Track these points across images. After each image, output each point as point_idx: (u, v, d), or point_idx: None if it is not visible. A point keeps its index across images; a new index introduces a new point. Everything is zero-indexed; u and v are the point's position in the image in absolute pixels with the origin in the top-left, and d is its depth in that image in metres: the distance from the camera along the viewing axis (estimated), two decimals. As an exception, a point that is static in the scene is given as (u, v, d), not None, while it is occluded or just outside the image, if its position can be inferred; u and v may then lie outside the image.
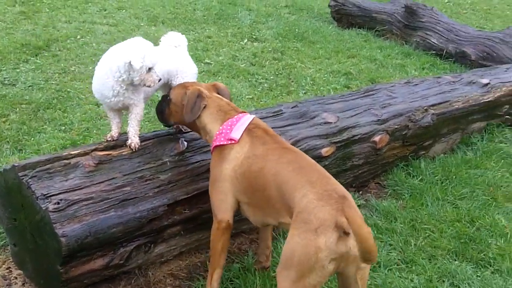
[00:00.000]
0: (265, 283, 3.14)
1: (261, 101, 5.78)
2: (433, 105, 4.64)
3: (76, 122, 5.03)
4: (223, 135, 2.93)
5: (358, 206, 3.84)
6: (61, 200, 2.78)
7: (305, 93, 6.13)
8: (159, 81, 3.15)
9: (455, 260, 3.56)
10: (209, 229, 2.98)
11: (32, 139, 4.68)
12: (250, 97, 5.87)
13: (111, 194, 2.93)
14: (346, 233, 2.36)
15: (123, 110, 3.33)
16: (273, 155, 2.79)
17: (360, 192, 4.21)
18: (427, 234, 3.78)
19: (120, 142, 3.27)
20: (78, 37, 7.37)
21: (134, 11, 8.89)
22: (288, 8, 10.03)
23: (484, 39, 7.30)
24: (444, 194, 4.21)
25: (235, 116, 3.00)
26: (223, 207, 2.91)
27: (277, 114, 3.94)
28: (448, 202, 4.15)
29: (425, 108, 4.54)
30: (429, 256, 3.57)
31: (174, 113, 3.22)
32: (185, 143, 3.36)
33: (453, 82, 5.19)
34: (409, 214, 3.94)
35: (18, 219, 3.02)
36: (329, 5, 9.36)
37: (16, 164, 2.92)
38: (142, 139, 3.29)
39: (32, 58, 6.52)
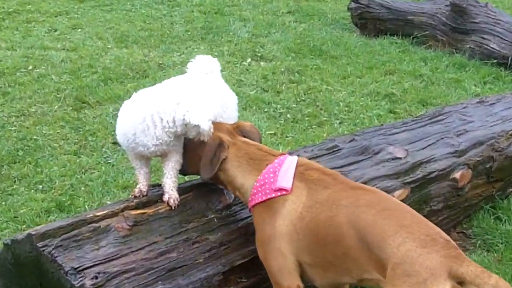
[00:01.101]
0: None
1: (287, 136, 6.10)
2: (518, 129, 4.96)
3: (56, 178, 5.27)
4: (266, 186, 3.11)
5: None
6: (98, 274, 3.01)
7: (340, 123, 6.46)
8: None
9: None
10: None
11: (3, 203, 4.90)
12: (272, 132, 6.19)
13: (155, 262, 3.17)
14: (461, 283, 2.59)
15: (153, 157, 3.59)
16: (345, 198, 2.98)
17: (441, 245, 4.48)
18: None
19: (153, 196, 3.52)
20: (30, 67, 7.66)
21: (94, 30, 9.23)
22: (292, 15, 10.44)
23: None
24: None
25: (275, 161, 3.20)
26: (286, 272, 3.12)
27: (333, 151, 4.23)
28: None
29: (509, 133, 4.86)
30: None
31: (190, 163, 3.47)
32: (232, 194, 3.63)
33: (537, 98, 5.55)
34: (509, 269, 4.22)
35: (33, 302, 3.23)
36: (348, 8, 9.74)
37: (33, 232, 3.15)
38: (180, 192, 3.54)
39: (-25, 100, 6.78)
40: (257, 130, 3.57)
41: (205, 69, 3.78)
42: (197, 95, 3.36)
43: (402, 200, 4.05)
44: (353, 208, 2.92)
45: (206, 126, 3.24)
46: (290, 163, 3.16)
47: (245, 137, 3.42)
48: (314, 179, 3.11)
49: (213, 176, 3.31)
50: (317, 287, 3.19)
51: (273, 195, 3.08)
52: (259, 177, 3.15)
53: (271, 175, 3.12)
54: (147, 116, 3.34)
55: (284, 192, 3.07)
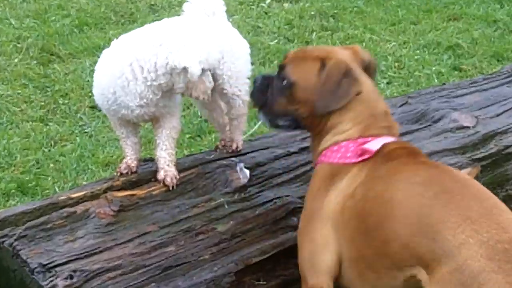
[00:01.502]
0: None
1: (318, 101, 6.09)
2: None
3: (16, 152, 5.31)
4: (351, 147, 3.13)
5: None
6: (74, 272, 3.04)
7: (388, 83, 6.46)
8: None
9: None
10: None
11: (-48, 183, 4.96)
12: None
13: (148, 259, 3.20)
14: None
15: (144, 123, 3.62)
16: (401, 172, 3.00)
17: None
18: None
19: (144, 174, 3.55)
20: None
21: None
22: None
23: None
24: None
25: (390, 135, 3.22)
26: (317, 265, 3.09)
27: (381, 118, 4.25)
28: None
29: None
30: None
31: (298, 102, 3.28)
32: (247, 171, 3.65)
33: None
34: None
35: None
36: None
37: (-10, 219, 3.20)
38: (179, 168, 3.57)
39: None
40: (375, 63, 3.52)
41: (206, 9, 3.78)
42: (186, 35, 3.35)
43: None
44: (407, 185, 2.92)
45: (195, 69, 3.22)
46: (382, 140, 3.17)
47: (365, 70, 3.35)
48: (388, 152, 3.11)
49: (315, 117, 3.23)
50: None
51: (353, 160, 3.11)
52: (363, 139, 3.15)
53: (351, 144, 3.15)
54: (125, 67, 3.33)
55: (364, 157, 3.09)
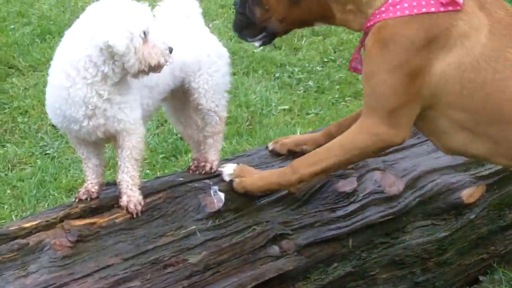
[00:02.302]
0: None
1: (308, 113, 6.11)
2: None
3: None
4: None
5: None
6: (23, 312, 3.05)
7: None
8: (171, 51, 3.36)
9: None
10: None
11: None
12: (286, 107, 6.21)
13: (109, 297, 3.20)
14: None
15: (105, 143, 3.60)
16: None
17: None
18: None
19: (106, 200, 3.55)
20: None
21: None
22: None
23: None
24: None
25: None
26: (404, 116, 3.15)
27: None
28: None
29: None
30: None
31: (274, 7, 3.34)
32: (221, 195, 3.65)
33: None
34: None
35: None
36: None
37: None
38: (146, 192, 3.56)
39: None
40: None
41: (179, 12, 3.80)
42: (107, 13, 3.26)
43: (473, 202, 4.10)
44: None
45: (120, 43, 3.15)
46: None
47: None
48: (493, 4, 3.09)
49: None
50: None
51: (441, 8, 2.96)
52: None
53: None
54: (60, 75, 3.30)
55: (457, 7, 2.97)
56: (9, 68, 6.69)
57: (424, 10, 2.89)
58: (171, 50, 3.31)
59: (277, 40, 7.24)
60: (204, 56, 3.73)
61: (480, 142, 3.14)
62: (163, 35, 3.53)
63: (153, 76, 3.44)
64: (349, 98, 6.42)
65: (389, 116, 3.04)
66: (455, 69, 2.96)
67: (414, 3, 2.90)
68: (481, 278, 4.34)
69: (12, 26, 7.38)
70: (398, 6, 2.93)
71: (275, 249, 3.54)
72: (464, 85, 2.97)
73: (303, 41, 7.34)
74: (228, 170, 3.72)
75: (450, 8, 2.88)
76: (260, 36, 3.48)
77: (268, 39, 3.50)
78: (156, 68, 3.29)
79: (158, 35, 3.30)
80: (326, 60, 7.01)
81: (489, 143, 3.13)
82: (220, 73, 3.77)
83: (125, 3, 3.28)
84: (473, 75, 2.96)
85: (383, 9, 2.98)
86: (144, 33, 3.23)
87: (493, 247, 4.27)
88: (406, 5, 2.90)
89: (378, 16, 3.00)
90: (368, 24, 3.06)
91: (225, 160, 3.99)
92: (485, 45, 2.94)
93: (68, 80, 3.26)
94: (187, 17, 3.81)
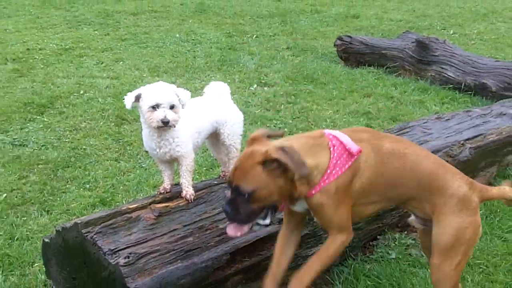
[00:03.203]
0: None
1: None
2: (468, 139, 4.95)
3: (100, 179, 5.29)
4: (342, 159, 2.82)
5: (407, 246, 4.14)
6: (130, 254, 3.02)
7: (327, 136, 6.44)
8: (166, 122, 3.26)
9: (515, 294, 3.82)
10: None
11: (58, 199, 4.93)
12: (273, 143, 6.19)
13: (176, 245, 3.18)
14: None
15: (173, 162, 3.61)
16: (404, 148, 3.03)
17: (406, 232, 4.45)
18: (481, 269, 4.03)
19: (174, 193, 3.54)
20: (81, 92, 7.71)
21: (133, 62, 9.28)
22: (290, 50, 10.46)
23: (503, 69, 7.70)
24: (491, 229, 4.49)
25: (329, 137, 2.88)
26: (349, 222, 2.97)
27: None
28: (496, 236, 4.42)
29: (461, 142, 4.85)
30: (488, 291, 3.83)
31: (265, 199, 2.75)
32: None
33: (484, 115, 5.54)
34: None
35: (78, 278, 3.24)
36: (334, 44, 9.78)
37: (79, 221, 3.17)
38: (196, 189, 3.56)
39: (38, 117, 6.83)
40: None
41: (218, 92, 3.84)
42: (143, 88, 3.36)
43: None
44: (415, 156, 3.04)
45: (126, 103, 3.32)
46: (339, 133, 2.91)
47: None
48: (368, 137, 2.98)
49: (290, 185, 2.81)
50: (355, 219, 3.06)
51: (351, 161, 2.83)
52: (331, 154, 2.81)
53: (339, 148, 2.83)
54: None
55: (357, 155, 2.85)
56: (122, 120, 6.73)
57: (346, 166, 2.81)
58: (165, 122, 3.26)
59: (268, 106, 7.36)
60: (229, 116, 3.75)
61: (378, 205, 3.10)
62: (209, 104, 3.64)
63: (202, 126, 3.56)
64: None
65: (347, 227, 2.93)
66: (363, 182, 2.91)
67: (337, 168, 2.79)
68: (378, 237, 4.31)
69: (124, 97, 7.30)
70: (331, 175, 2.79)
71: (266, 222, 3.50)
72: (368, 186, 2.92)
73: (282, 107, 7.36)
74: None
75: (356, 156, 2.83)
76: (263, 214, 2.86)
77: (273, 212, 2.91)
78: (153, 126, 3.31)
79: (167, 111, 3.29)
80: (294, 117, 7.04)
81: (383, 203, 3.11)
82: (237, 125, 3.80)
83: (156, 86, 3.32)
84: (372, 179, 2.92)
85: (322, 182, 2.79)
86: (153, 106, 3.25)
87: (384, 220, 4.26)
88: (334, 172, 2.78)
89: (322, 184, 2.79)
90: (313, 192, 2.80)
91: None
92: (376, 165, 2.92)
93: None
94: (221, 95, 3.82)
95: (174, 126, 3.34)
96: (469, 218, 2.99)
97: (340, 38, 9.72)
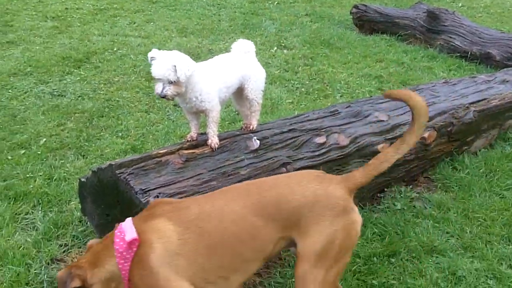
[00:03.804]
0: None
1: (301, 105, 6.06)
2: (473, 103, 4.89)
3: (131, 128, 5.31)
4: (124, 255, 2.34)
5: (411, 199, 4.13)
6: (159, 194, 3.05)
7: (341, 96, 6.39)
8: (163, 97, 3.19)
9: (509, 245, 3.80)
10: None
11: (93, 145, 4.96)
12: (290, 101, 6.16)
13: (201, 188, 3.20)
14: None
15: (200, 113, 3.60)
16: (217, 201, 2.50)
17: (411, 186, 4.45)
18: (479, 222, 4.03)
19: (200, 141, 3.55)
20: (115, 49, 7.68)
21: (163, 23, 9.20)
22: (309, 17, 10.30)
23: (507, 40, 7.56)
24: (490, 186, 4.46)
25: (115, 233, 2.45)
26: None
27: (334, 114, 4.22)
28: (495, 193, 4.40)
29: (466, 105, 4.80)
30: (485, 241, 3.82)
31: None
32: (258, 141, 3.63)
33: (488, 81, 5.46)
34: (460, 205, 4.20)
35: (112, 214, 3.28)
36: (350, 12, 9.62)
37: (113, 163, 3.20)
38: (220, 138, 3.56)
39: (75, 70, 6.83)
40: None
41: (244, 49, 3.79)
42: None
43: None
44: (235, 206, 2.47)
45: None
46: (126, 221, 2.47)
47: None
48: (169, 209, 2.46)
49: None
50: None
51: (134, 249, 2.34)
52: (115, 253, 2.36)
53: (120, 242, 2.36)
54: None
55: (136, 243, 2.33)
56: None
57: (132, 254, 2.33)
58: (162, 96, 3.20)
59: (286, 67, 7.29)
60: (253, 72, 3.71)
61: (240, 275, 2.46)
62: (236, 61, 3.63)
63: (230, 81, 3.57)
64: (321, 97, 6.36)
65: None
66: (180, 262, 2.30)
67: (126, 264, 2.33)
68: (385, 189, 4.31)
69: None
70: (125, 276, 2.33)
71: (283, 170, 3.51)
72: (192, 263, 2.34)
73: (299, 68, 7.27)
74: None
75: (135, 244, 2.33)
76: None
77: None
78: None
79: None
80: (310, 78, 6.94)
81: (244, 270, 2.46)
82: (260, 81, 3.75)
83: (159, 58, 3.19)
84: (184, 248, 2.34)
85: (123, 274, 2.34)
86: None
87: (392, 174, 4.25)
88: (124, 272, 2.32)
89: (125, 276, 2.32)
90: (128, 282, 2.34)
91: (259, 125, 3.93)
92: (176, 229, 2.36)
93: None
94: (247, 51, 3.78)
95: (173, 99, 3.27)
96: (337, 223, 2.42)
97: (355, 7, 9.54)
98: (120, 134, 5.20)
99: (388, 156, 2.60)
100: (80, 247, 3.59)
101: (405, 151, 2.59)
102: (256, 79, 3.72)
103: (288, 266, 3.45)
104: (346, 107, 4.36)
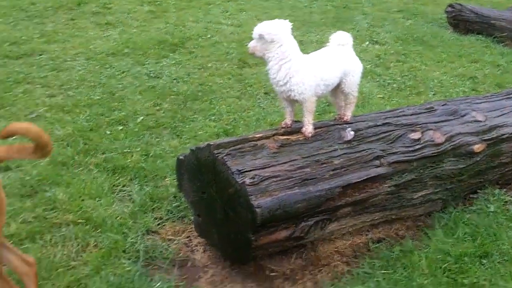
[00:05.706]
0: (430, 264, 3.36)
1: (392, 100, 5.98)
2: None
3: (223, 113, 5.43)
4: None
5: (505, 202, 4.00)
6: (255, 175, 3.12)
7: (434, 94, 6.27)
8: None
9: None
10: (373, 213, 3.26)
11: (187, 126, 5.12)
12: (381, 96, 6.10)
13: (294, 173, 3.24)
14: None
15: (295, 102, 3.61)
16: None
17: (505, 189, 4.30)
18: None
19: (295, 128, 3.59)
20: (208, 36, 7.85)
21: (254, 13, 9.31)
22: (401, 13, 10.13)
23: None
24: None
25: None
26: None
27: (430, 110, 4.15)
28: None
29: None
30: None
31: None
32: (352, 133, 3.64)
33: None
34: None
35: (207, 192, 3.38)
36: (445, 11, 9.38)
37: (212, 143, 3.30)
38: (314, 127, 3.59)
39: (170, 54, 7.05)
40: None
41: (341, 41, 3.78)
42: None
43: (479, 152, 3.96)
44: None
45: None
46: None
47: None
48: None
49: None
50: None
51: None
52: None
53: None
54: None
55: None
56: (244, 63, 6.86)
57: None
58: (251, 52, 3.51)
59: (378, 63, 7.20)
60: (352, 67, 3.71)
61: None
62: (337, 58, 3.66)
63: (330, 79, 3.58)
64: (414, 94, 6.27)
65: None
66: None
67: None
68: (479, 191, 4.19)
69: (246, 43, 7.42)
70: None
71: (376, 163, 3.51)
72: None
73: (391, 64, 7.20)
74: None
75: None
76: None
77: None
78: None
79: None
80: (402, 75, 6.86)
81: None
82: (357, 75, 3.74)
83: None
84: None
85: None
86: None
87: (486, 176, 4.14)
88: None
89: None
90: None
91: (353, 117, 3.92)
92: None
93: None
94: (345, 44, 3.77)
95: (260, 58, 3.49)
96: None
97: (451, 6, 9.29)
98: (213, 117, 5.33)
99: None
100: (174, 221, 3.73)
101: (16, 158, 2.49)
102: (354, 74, 3.70)
103: (377, 258, 3.45)
104: (443, 105, 4.27)
